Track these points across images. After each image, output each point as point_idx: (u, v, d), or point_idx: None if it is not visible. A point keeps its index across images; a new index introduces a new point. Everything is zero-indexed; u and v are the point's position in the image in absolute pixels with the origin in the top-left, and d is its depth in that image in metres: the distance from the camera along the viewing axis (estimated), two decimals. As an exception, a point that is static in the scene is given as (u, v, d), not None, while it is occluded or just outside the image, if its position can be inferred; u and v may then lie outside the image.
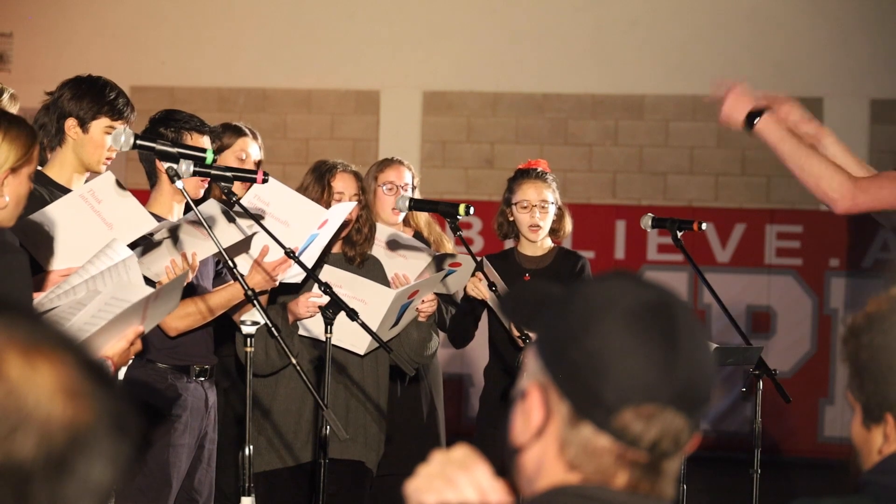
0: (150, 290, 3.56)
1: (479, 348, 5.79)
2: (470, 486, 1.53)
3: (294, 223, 4.74)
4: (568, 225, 5.72)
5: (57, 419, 1.15)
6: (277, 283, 4.77)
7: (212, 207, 4.45)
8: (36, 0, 11.44)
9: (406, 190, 5.67)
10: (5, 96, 4.56)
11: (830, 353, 10.29)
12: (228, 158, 5.35)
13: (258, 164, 5.52)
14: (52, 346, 1.18)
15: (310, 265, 4.72)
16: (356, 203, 5.08)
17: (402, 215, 5.71)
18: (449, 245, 5.85)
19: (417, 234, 5.82)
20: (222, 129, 5.45)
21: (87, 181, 4.57)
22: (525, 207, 5.59)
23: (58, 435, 1.15)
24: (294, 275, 4.79)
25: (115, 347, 3.43)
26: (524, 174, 5.68)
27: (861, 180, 3.91)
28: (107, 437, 1.18)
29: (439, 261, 5.43)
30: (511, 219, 5.66)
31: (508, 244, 5.91)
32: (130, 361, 4.80)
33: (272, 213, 4.74)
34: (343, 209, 4.91)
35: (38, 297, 3.75)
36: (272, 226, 4.54)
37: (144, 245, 4.40)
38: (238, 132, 5.46)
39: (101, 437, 1.18)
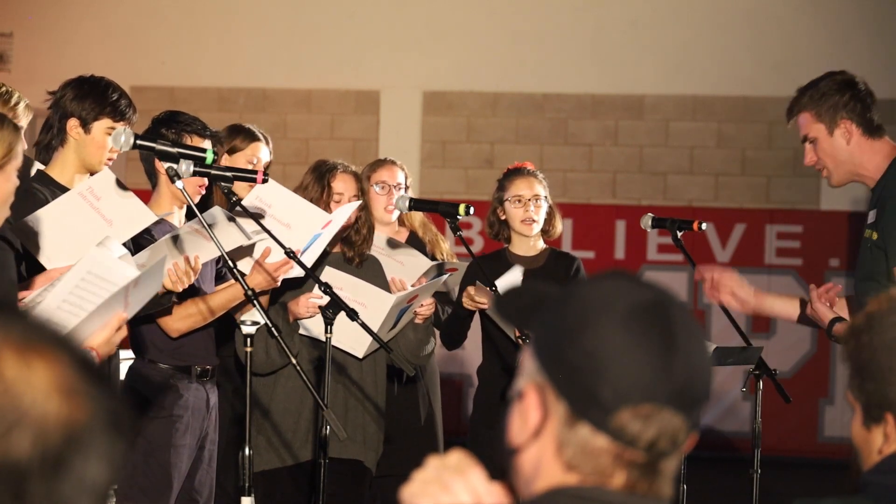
0: (128, 276, 3.51)
1: (477, 348, 5.78)
2: (465, 491, 1.53)
3: (296, 225, 4.74)
4: (559, 224, 5.69)
5: (53, 417, 1.16)
6: (279, 284, 4.77)
7: (216, 212, 4.45)
8: (36, 0, 11.45)
9: (399, 189, 5.68)
10: (21, 106, 4.56)
11: (830, 353, 10.29)
12: (239, 161, 5.33)
13: (267, 166, 5.51)
14: (48, 345, 1.18)
15: (311, 264, 4.72)
16: (359, 203, 5.08)
17: (397, 214, 5.71)
18: (445, 245, 5.85)
19: (412, 235, 5.82)
20: (235, 130, 5.41)
21: (87, 181, 4.57)
22: (519, 202, 5.58)
23: (54, 433, 1.15)
24: (297, 272, 4.79)
25: (99, 337, 3.40)
26: (515, 171, 5.68)
27: None
28: (103, 435, 1.18)
29: (438, 268, 5.44)
30: (503, 217, 5.65)
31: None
32: (130, 362, 4.82)
33: (274, 215, 4.74)
34: (346, 210, 4.91)
35: (31, 295, 3.75)
36: (274, 227, 4.53)
37: (147, 248, 4.40)
38: (251, 136, 5.42)
39: (97, 436, 1.18)
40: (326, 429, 4.45)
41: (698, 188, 10.97)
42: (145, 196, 4.63)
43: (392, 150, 9.66)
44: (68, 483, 1.16)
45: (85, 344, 3.38)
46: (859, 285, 4.32)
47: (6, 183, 3.54)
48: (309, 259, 4.72)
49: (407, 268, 5.43)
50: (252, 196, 4.80)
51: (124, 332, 3.50)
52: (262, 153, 5.44)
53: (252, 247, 4.68)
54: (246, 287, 4.11)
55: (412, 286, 5.23)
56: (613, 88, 11.01)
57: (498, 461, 1.63)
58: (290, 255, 4.31)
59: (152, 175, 4.76)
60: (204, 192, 4.77)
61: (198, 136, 4.73)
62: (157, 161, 4.54)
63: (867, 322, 2.16)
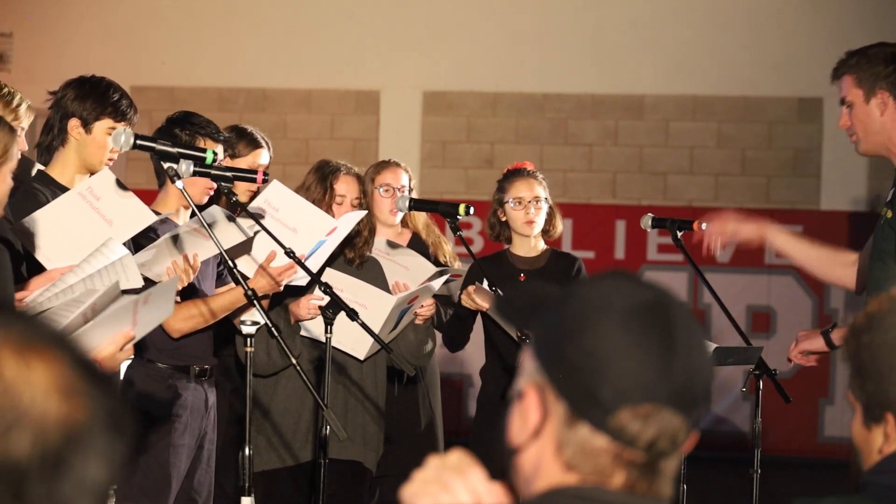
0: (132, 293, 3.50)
1: (478, 349, 5.78)
2: (465, 491, 1.53)
3: (302, 230, 4.74)
4: (559, 225, 5.69)
5: (52, 417, 1.16)
6: (282, 288, 4.76)
7: (214, 210, 4.45)
8: (36, 0, 11.45)
9: (403, 192, 5.67)
10: (23, 107, 4.57)
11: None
12: (241, 166, 5.33)
13: (266, 167, 5.51)
14: (47, 345, 1.18)
15: (315, 269, 4.72)
16: (365, 212, 5.08)
17: (400, 216, 5.71)
18: (448, 248, 5.85)
19: (416, 236, 5.81)
20: (238, 135, 5.40)
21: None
22: (519, 204, 5.58)
23: (53, 433, 1.15)
24: (300, 277, 4.79)
25: (103, 352, 3.37)
26: (515, 172, 5.68)
27: None
28: (102, 435, 1.18)
29: (442, 274, 5.44)
30: (503, 219, 5.65)
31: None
32: (129, 361, 4.82)
33: (281, 220, 4.74)
34: (352, 218, 4.91)
35: (32, 295, 3.74)
36: (280, 231, 4.53)
37: (147, 248, 4.40)
38: (254, 143, 5.42)
39: (97, 436, 1.18)
40: (326, 429, 4.45)
41: (698, 188, 10.97)
42: (145, 196, 4.63)
43: (392, 151, 9.66)
44: (68, 483, 1.16)
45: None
46: (870, 264, 4.30)
47: (1, 184, 3.54)
48: (312, 265, 4.72)
49: (411, 272, 5.43)
50: (261, 199, 4.80)
51: (130, 352, 3.47)
52: (262, 159, 5.46)
53: (251, 245, 4.68)
54: (246, 287, 4.11)
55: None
56: (613, 88, 11.01)
57: (498, 461, 1.63)
58: (290, 254, 4.31)
59: (160, 174, 4.76)
60: (212, 193, 4.77)
61: (211, 140, 4.75)
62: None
63: (867, 322, 2.16)
